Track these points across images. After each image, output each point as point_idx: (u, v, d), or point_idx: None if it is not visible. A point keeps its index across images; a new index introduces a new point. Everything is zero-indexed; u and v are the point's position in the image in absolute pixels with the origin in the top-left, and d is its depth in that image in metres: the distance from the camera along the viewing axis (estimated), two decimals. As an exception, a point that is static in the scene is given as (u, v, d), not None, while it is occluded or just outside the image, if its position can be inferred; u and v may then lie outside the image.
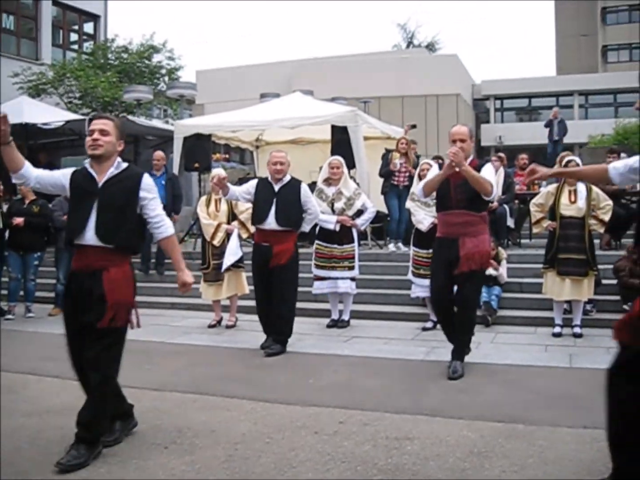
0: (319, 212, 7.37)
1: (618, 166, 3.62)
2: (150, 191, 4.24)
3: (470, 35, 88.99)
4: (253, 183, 7.25)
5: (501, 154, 12.74)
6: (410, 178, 10.27)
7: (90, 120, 4.49)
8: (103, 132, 4.15)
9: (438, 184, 5.97)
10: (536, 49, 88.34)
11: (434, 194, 6.20)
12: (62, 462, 3.86)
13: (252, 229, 7.74)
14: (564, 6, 50.54)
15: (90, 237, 4.10)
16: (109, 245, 4.11)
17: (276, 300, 6.91)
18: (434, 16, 75.81)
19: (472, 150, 6.17)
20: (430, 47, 52.33)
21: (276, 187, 7.04)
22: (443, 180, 5.92)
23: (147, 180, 4.26)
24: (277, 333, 6.98)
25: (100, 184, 4.17)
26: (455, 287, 6.13)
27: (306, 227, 7.27)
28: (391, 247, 11.01)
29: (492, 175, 6.02)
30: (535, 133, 21.03)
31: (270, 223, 6.90)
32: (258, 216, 7.06)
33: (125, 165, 4.28)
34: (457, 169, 5.70)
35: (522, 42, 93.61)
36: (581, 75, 41.48)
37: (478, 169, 5.90)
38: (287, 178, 7.12)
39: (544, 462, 3.92)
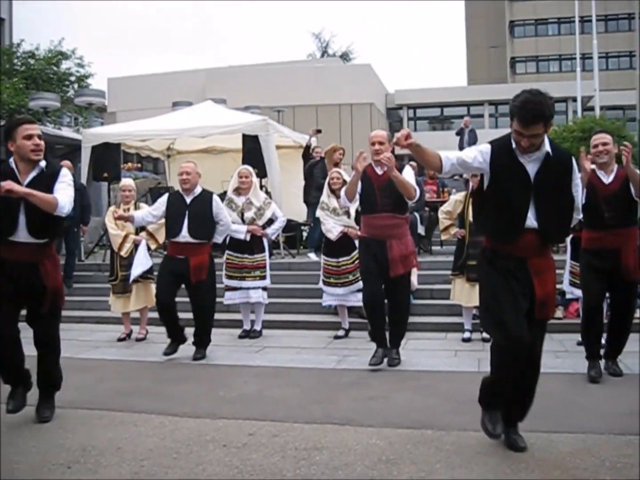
0: (230, 223, 7.34)
1: (451, 157, 3.90)
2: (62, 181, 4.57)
3: (383, 46, 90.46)
4: (163, 199, 7.19)
5: (413, 163, 12.94)
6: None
7: (16, 124, 4.49)
8: (40, 137, 4.33)
9: (355, 186, 6.13)
10: (448, 60, 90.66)
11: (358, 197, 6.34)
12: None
13: (161, 239, 7.64)
14: (474, 19, 52.02)
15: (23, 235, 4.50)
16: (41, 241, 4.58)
17: (199, 313, 7.01)
18: (349, 26, 76.68)
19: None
20: (345, 56, 52.88)
21: (188, 200, 7.00)
22: (367, 184, 6.07)
23: (63, 172, 4.62)
24: (202, 341, 7.06)
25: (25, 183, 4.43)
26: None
27: (219, 238, 7.25)
28: (313, 256, 11.02)
29: (412, 178, 6.27)
30: (447, 141, 21.50)
31: (185, 236, 6.85)
32: (171, 230, 7.00)
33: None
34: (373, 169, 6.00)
35: (435, 53, 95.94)
36: (491, 86, 42.70)
37: (399, 170, 6.12)
38: (198, 190, 7.07)
39: (451, 467, 3.95)
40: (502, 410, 4.20)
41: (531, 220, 3.87)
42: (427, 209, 11.10)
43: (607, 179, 5.76)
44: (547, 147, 3.85)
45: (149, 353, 7.43)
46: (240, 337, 8.15)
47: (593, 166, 5.82)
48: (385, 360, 6.34)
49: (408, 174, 6.23)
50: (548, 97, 3.79)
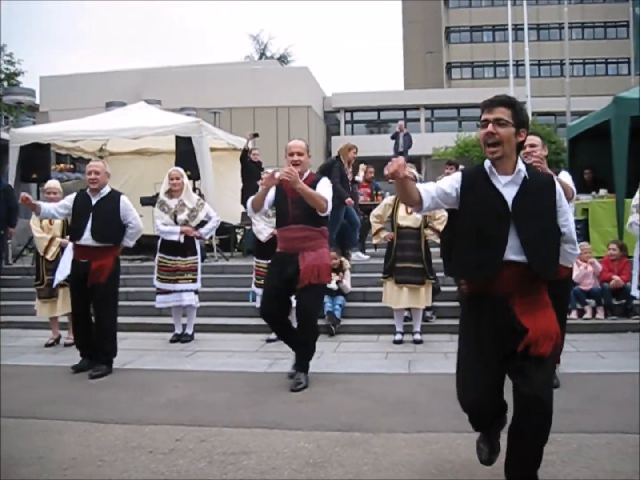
0: (141, 226, 6.89)
1: (430, 190, 3.47)
2: None
3: (321, 49, 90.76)
4: (71, 197, 6.83)
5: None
6: None
7: None
8: None
9: (263, 198, 5.93)
10: (385, 64, 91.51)
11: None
12: None
13: None
14: (412, 24, 52.60)
15: None
16: None
17: (98, 320, 6.65)
18: (287, 29, 76.69)
19: (309, 164, 6.14)
20: (283, 59, 52.88)
21: (94, 200, 6.65)
22: (281, 197, 5.94)
23: None
24: (102, 354, 6.62)
25: None
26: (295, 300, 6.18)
27: (129, 242, 6.87)
28: (362, 255, 11.06)
29: (327, 189, 6.02)
30: (384, 145, 21.68)
31: (87, 239, 6.52)
32: (74, 231, 6.70)
33: None
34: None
35: (372, 58, 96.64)
36: (427, 90, 43.39)
37: (315, 183, 5.95)
38: (106, 190, 6.72)
39: (378, 469, 3.97)
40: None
41: (512, 252, 3.36)
42: (360, 211, 11.15)
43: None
44: (522, 169, 3.42)
45: (77, 358, 7.23)
46: (172, 341, 8.05)
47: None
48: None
49: (323, 185, 6.00)
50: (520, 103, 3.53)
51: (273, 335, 7.82)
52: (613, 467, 3.93)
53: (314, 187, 5.88)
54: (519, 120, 3.38)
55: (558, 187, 3.51)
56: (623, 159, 10.17)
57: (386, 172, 3.19)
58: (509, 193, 3.39)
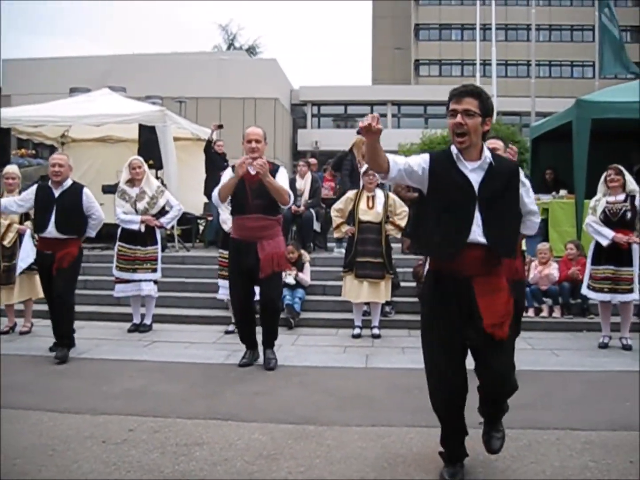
0: (103, 217, 7.03)
1: (399, 162, 3.55)
2: None
3: (290, 41, 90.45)
4: (32, 189, 6.87)
5: (312, 160, 13.04)
6: None
7: None
8: None
9: (233, 188, 6.00)
10: (354, 59, 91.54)
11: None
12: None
13: None
14: (381, 20, 52.66)
15: None
16: None
17: (57, 305, 6.70)
18: (256, 20, 76.23)
19: (264, 152, 6.21)
20: (251, 50, 52.66)
21: (56, 193, 6.72)
22: (239, 185, 5.96)
23: None
24: (62, 337, 6.69)
25: None
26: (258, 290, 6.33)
27: (92, 233, 7.04)
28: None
29: (286, 180, 6.21)
30: (350, 139, 21.69)
31: (51, 231, 6.61)
32: (38, 224, 6.75)
33: None
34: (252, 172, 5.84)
35: (341, 52, 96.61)
36: (395, 86, 43.48)
37: (273, 171, 6.03)
38: (68, 183, 6.80)
39: (330, 462, 3.99)
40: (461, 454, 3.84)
41: (476, 234, 3.49)
42: (323, 205, 11.15)
43: None
44: (488, 155, 3.56)
45: (33, 347, 7.18)
46: (130, 330, 7.98)
47: None
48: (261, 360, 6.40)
49: (282, 176, 6.17)
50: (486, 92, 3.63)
51: (231, 327, 7.85)
52: (561, 463, 4.00)
53: (272, 177, 5.98)
54: (485, 110, 3.50)
55: (521, 173, 3.68)
56: (583, 160, 10.32)
57: (360, 124, 3.27)
58: (475, 178, 3.53)
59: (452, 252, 3.51)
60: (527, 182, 3.73)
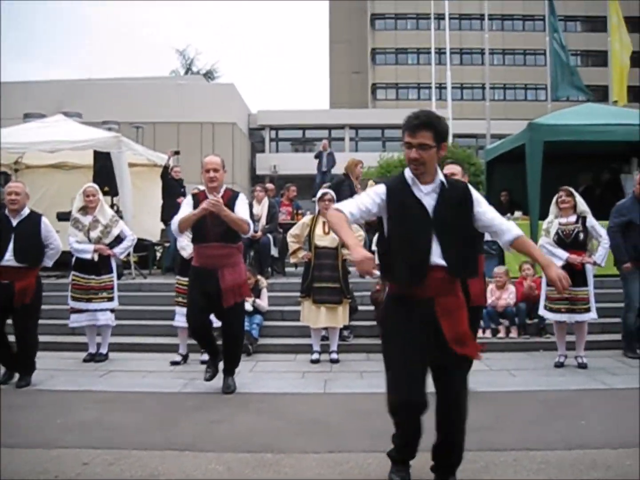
0: (60, 247, 7.04)
1: (353, 211, 3.63)
2: None
3: (248, 66, 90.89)
4: None
5: (269, 185, 13.05)
6: None
7: None
8: None
9: (193, 221, 6.00)
10: (311, 83, 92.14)
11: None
12: None
13: None
14: (338, 44, 53.24)
15: None
16: None
17: (24, 338, 6.70)
18: (214, 45, 76.47)
19: (224, 179, 6.25)
20: (209, 75, 52.66)
21: (14, 222, 6.69)
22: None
23: None
24: (27, 370, 6.71)
25: None
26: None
27: (49, 262, 7.02)
28: None
29: (245, 207, 6.22)
30: (308, 163, 21.77)
31: (9, 260, 6.56)
32: None
33: None
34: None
35: (299, 76, 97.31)
36: (352, 110, 43.80)
37: (232, 199, 6.07)
38: (26, 211, 6.80)
39: (288, 490, 3.97)
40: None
41: (435, 257, 3.58)
42: (281, 230, 11.14)
43: None
44: (441, 177, 3.65)
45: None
46: (85, 360, 7.84)
47: None
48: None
49: (241, 204, 6.18)
50: (439, 116, 3.70)
51: (178, 358, 7.76)
52: (518, 484, 4.02)
53: (232, 204, 6.04)
54: (440, 139, 3.56)
55: (474, 192, 3.74)
56: (537, 182, 10.50)
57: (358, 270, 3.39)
58: (429, 202, 3.61)
59: (417, 279, 3.58)
60: (483, 202, 3.77)
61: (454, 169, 5.94)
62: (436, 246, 3.57)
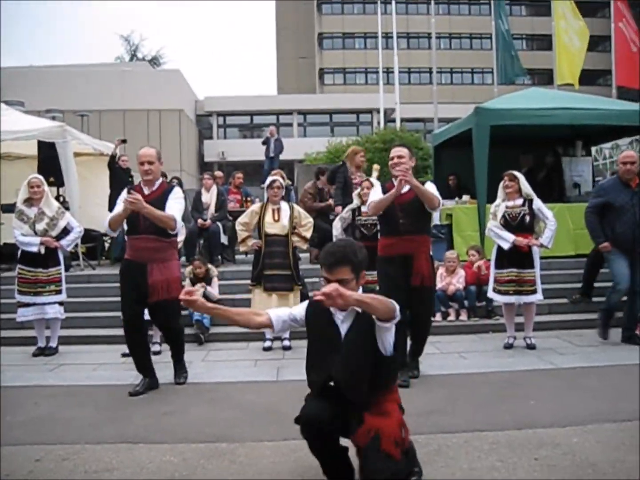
0: None
1: (283, 317, 3.82)
2: None
3: (194, 52, 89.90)
4: None
5: (218, 173, 12.98)
6: None
7: None
8: None
9: (122, 220, 5.90)
10: (259, 69, 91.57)
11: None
12: None
13: None
14: (285, 30, 53.00)
15: None
16: None
17: None
18: (159, 30, 75.43)
19: (159, 171, 6.19)
20: (154, 61, 52.00)
21: None
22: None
23: None
24: None
25: None
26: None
27: None
28: None
29: (177, 202, 6.05)
30: (257, 149, 21.69)
31: None
32: None
33: None
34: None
35: (246, 62, 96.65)
36: (300, 96, 43.80)
37: (166, 193, 5.99)
38: None
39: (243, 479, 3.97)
40: None
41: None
42: (230, 218, 11.09)
43: (405, 188, 5.94)
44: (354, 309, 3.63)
45: None
46: (34, 355, 7.71)
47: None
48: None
49: (173, 200, 6.01)
50: (357, 245, 3.68)
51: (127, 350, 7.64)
52: (469, 465, 4.10)
53: (165, 198, 5.93)
54: (359, 269, 3.58)
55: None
56: (484, 166, 10.61)
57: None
58: (344, 327, 3.66)
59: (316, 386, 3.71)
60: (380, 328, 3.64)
61: (401, 151, 5.98)
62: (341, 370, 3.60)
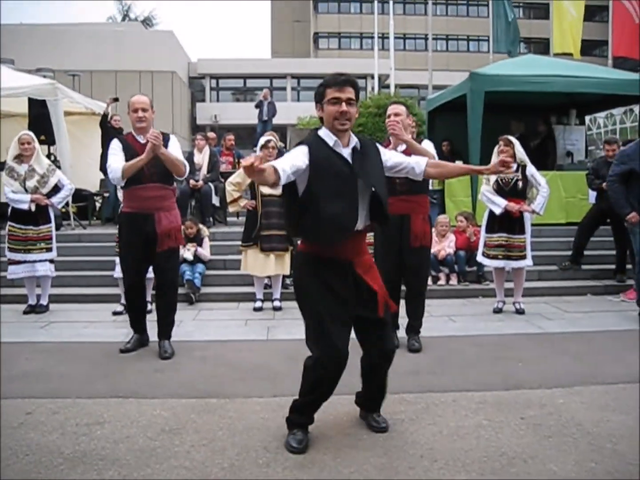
0: None
1: (285, 168, 3.50)
2: None
3: (187, 13, 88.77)
4: None
5: (210, 134, 12.90)
6: None
7: None
8: None
9: (140, 167, 5.66)
10: (253, 31, 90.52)
11: None
12: None
13: None
14: (280, -8, 52.32)
15: None
16: None
17: None
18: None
19: (152, 120, 5.96)
20: (147, 22, 51.41)
21: None
22: (131, 153, 5.73)
23: None
24: None
25: None
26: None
27: None
28: None
29: (178, 149, 5.96)
30: (250, 113, 21.53)
31: None
32: None
33: None
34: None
35: (240, 24, 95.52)
36: (294, 60, 43.29)
37: (164, 142, 5.79)
38: None
39: (233, 433, 4.02)
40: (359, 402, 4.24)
41: (360, 221, 3.69)
42: (222, 179, 11.04)
43: (401, 147, 5.86)
44: (355, 140, 3.73)
45: None
46: (25, 312, 7.73)
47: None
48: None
49: (174, 146, 5.90)
50: None
51: (119, 308, 7.66)
52: (457, 423, 4.16)
53: (164, 147, 5.73)
54: (358, 98, 3.71)
55: (378, 146, 3.93)
56: (477, 132, 10.62)
57: (242, 162, 3.20)
58: (350, 158, 3.70)
59: (343, 237, 3.65)
60: (388, 153, 3.99)
61: (398, 108, 5.91)
62: (362, 208, 3.69)
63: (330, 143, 3.67)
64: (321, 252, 3.72)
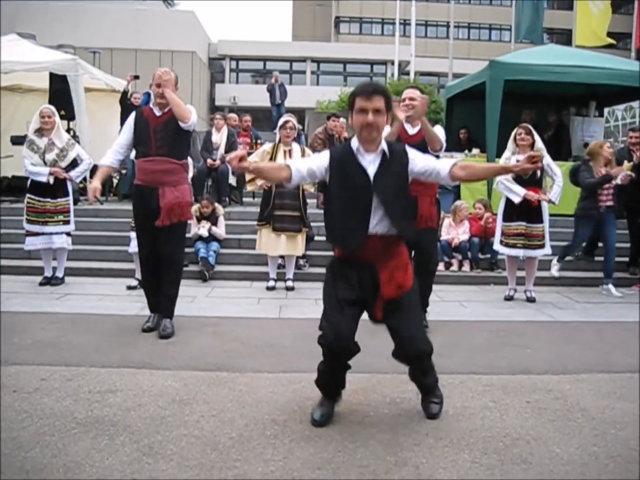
0: None
1: (300, 168, 3.74)
2: None
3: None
4: None
5: (232, 114, 12.94)
6: None
7: None
8: None
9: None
10: (274, 14, 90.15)
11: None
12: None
13: None
14: (302, -25, 52.04)
15: None
16: None
17: None
18: (173, -30, 74.05)
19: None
20: (168, 1, 51.20)
21: None
22: (142, 125, 5.72)
23: None
24: None
25: None
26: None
27: None
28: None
29: (191, 107, 5.86)
30: (267, 96, 21.72)
31: None
32: None
33: None
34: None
35: (261, 6, 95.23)
36: (315, 43, 43.18)
37: None
38: None
39: (242, 406, 4.09)
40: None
41: (376, 225, 3.69)
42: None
43: (412, 130, 5.92)
44: (384, 146, 3.71)
45: None
46: (41, 284, 7.85)
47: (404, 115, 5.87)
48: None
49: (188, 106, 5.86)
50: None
51: (134, 282, 7.75)
52: (463, 403, 4.22)
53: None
54: (389, 107, 3.66)
55: (408, 151, 3.82)
56: (495, 120, 10.59)
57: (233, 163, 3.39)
58: (372, 169, 3.68)
59: (354, 245, 3.70)
60: (413, 153, 3.84)
61: (413, 92, 5.92)
62: (378, 213, 3.67)
63: (354, 148, 3.70)
64: (342, 252, 3.83)
